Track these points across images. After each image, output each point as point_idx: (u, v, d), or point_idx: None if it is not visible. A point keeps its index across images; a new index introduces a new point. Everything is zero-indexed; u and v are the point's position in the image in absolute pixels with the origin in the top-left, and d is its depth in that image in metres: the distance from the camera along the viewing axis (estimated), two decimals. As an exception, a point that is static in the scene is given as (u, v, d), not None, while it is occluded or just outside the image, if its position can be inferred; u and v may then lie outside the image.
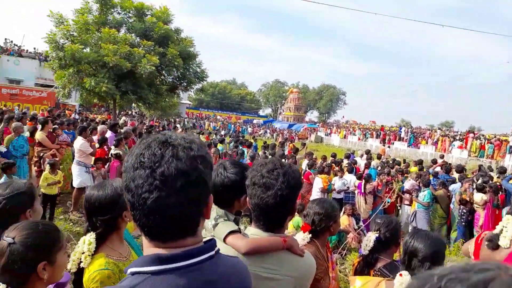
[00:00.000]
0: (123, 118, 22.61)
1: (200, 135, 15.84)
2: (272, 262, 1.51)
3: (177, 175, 0.82)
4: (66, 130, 8.88)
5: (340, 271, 5.08)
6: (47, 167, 6.31)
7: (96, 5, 16.51)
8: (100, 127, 9.10)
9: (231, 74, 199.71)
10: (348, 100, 79.68)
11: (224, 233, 1.61)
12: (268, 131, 42.96)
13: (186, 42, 17.61)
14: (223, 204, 1.84)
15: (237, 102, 74.07)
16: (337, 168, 9.33)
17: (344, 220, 6.86)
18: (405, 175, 9.86)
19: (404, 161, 14.32)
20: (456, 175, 9.44)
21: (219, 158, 8.36)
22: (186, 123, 36.37)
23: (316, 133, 41.52)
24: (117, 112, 20.32)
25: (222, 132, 27.40)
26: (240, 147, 11.53)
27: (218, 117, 56.57)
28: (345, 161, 10.95)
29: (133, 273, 0.85)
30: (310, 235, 2.24)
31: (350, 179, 8.71)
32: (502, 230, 2.55)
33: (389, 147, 24.38)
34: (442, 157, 14.70)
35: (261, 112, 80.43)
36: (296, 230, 5.58)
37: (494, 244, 2.55)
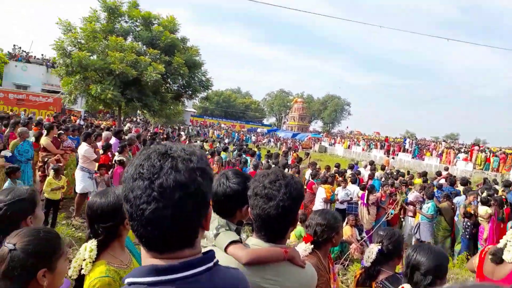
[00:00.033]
0: (128, 124, 22.72)
1: (204, 143, 15.87)
2: (273, 273, 1.50)
3: (175, 187, 0.82)
4: (71, 136, 8.94)
5: (342, 282, 5.04)
6: (51, 172, 6.35)
7: (104, 13, 16.74)
8: (104, 134, 9.15)
9: (236, 83, 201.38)
10: (353, 111, 79.61)
11: (225, 243, 1.61)
12: (272, 140, 42.98)
13: (192, 51, 17.78)
14: (225, 213, 1.83)
15: (241, 111, 74.28)
16: (340, 179, 9.30)
17: (347, 231, 6.83)
18: (409, 186, 9.81)
19: (408, 172, 14.25)
20: (460, 188, 9.37)
21: (222, 166, 8.36)
22: (190, 130, 36.49)
23: (320, 143, 41.47)
24: (122, 118, 20.43)
25: (226, 140, 27.48)
26: (244, 156, 11.53)
27: (222, 125, 56.72)
28: (349, 172, 10.92)
29: (130, 284, 0.85)
30: (312, 246, 2.23)
31: (354, 190, 8.68)
32: (506, 244, 2.53)
33: (393, 158, 24.30)
34: (446, 169, 14.62)
35: (265, 121, 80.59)
36: (298, 240, 5.54)
37: (498, 258, 2.53)
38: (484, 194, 7.87)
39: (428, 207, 7.73)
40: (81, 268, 1.77)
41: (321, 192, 8.21)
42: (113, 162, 7.53)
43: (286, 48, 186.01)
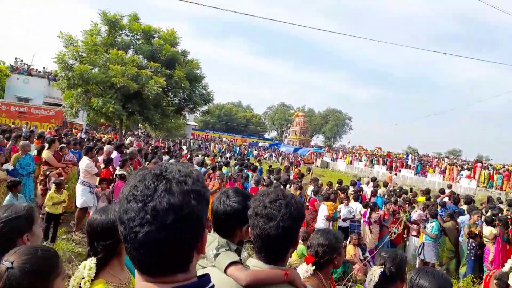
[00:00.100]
0: (129, 138, 22.78)
1: (206, 157, 15.86)
2: (274, 295, 1.47)
3: (169, 210, 0.81)
4: (72, 150, 8.97)
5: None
6: (53, 186, 6.34)
7: (104, 27, 16.95)
8: (106, 148, 9.16)
9: (237, 96, 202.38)
10: (353, 125, 79.65)
11: (225, 264, 1.59)
12: (273, 154, 42.97)
13: (193, 64, 17.94)
14: (225, 232, 1.81)
15: (242, 125, 74.54)
16: (342, 196, 9.24)
17: (350, 250, 6.73)
18: (412, 204, 9.72)
19: (411, 189, 14.16)
20: (464, 207, 9.28)
21: (223, 181, 8.32)
22: (191, 144, 36.55)
23: (322, 158, 41.43)
24: (123, 132, 20.50)
25: (228, 155, 27.48)
26: (245, 171, 11.51)
27: (224, 139, 56.82)
28: (351, 188, 10.86)
29: None
30: (314, 267, 2.19)
31: (356, 207, 8.60)
32: (511, 268, 2.49)
33: (396, 174, 24.18)
34: (450, 187, 14.53)
35: (266, 135, 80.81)
36: (300, 259, 5.47)
37: (503, 283, 2.48)
38: (489, 214, 7.77)
39: (432, 226, 7.62)
40: (80, 287, 1.75)
41: (323, 210, 8.14)
42: (114, 176, 7.51)
43: (287, 61, 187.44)
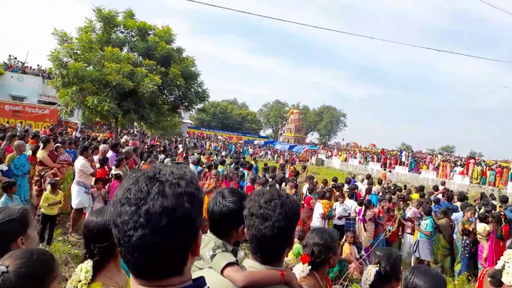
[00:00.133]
0: (125, 137, 22.69)
1: (201, 156, 15.84)
2: (270, 296, 1.49)
3: (162, 213, 0.81)
4: (67, 149, 8.91)
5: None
6: (48, 187, 6.30)
7: (99, 24, 16.78)
8: (101, 147, 9.12)
9: (232, 93, 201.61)
10: (348, 122, 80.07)
11: (221, 265, 1.60)
12: (269, 152, 43.00)
13: (188, 61, 17.81)
14: (221, 233, 1.82)
15: (238, 122, 74.48)
16: (338, 193, 9.27)
17: (346, 249, 6.75)
18: (407, 202, 9.78)
19: (405, 187, 14.24)
20: (458, 203, 9.35)
21: (219, 180, 8.32)
22: (187, 142, 36.46)
23: (317, 156, 41.54)
24: (118, 130, 20.40)
25: (223, 153, 27.42)
26: (241, 169, 11.51)
27: (219, 137, 56.75)
28: (346, 186, 10.90)
29: None
30: (310, 266, 2.21)
31: (351, 205, 8.64)
32: (504, 265, 2.51)
33: (390, 171, 24.31)
34: (443, 184, 14.63)
35: (261, 133, 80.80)
36: (296, 258, 5.49)
37: (497, 280, 2.51)
38: (482, 210, 7.84)
39: (426, 223, 7.67)
40: (77, 289, 1.75)
41: (319, 208, 8.17)
42: (110, 176, 7.48)
43: (282, 58, 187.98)
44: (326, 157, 40.74)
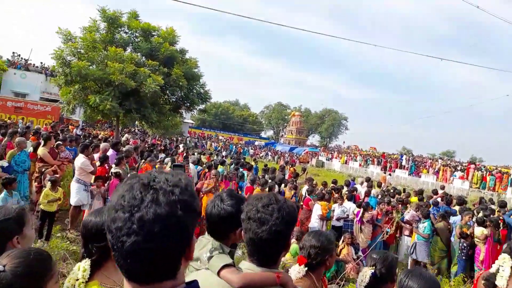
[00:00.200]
0: (126, 135, 22.71)
1: (202, 156, 15.87)
2: (266, 298, 1.51)
3: (155, 220, 0.82)
4: (68, 147, 8.95)
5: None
6: (48, 184, 6.32)
7: (103, 24, 16.84)
8: (102, 145, 9.15)
9: (234, 94, 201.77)
10: (349, 126, 79.72)
11: (218, 267, 1.62)
12: (269, 153, 43.01)
13: (191, 63, 17.87)
14: (218, 235, 1.85)
15: (239, 123, 74.46)
16: (337, 195, 9.29)
17: (343, 250, 6.78)
18: (406, 205, 9.80)
19: (404, 190, 14.25)
20: (457, 208, 9.37)
21: (218, 180, 8.33)
22: (188, 142, 36.49)
23: (317, 158, 41.52)
24: (120, 129, 20.44)
25: (224, 153, 27.44)
26: (241, 170, 11.53)
27: (220, 137, 56.77)
28: (345, 188, 10.92)
29: None
30: (306, 268, 2.23)
31: (350, 207, 8.67)
32: (498, 269, 2.54)
33: (390, 175, 24.30)
34: (442, 188, 14.65)
35: (263, 134, 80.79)
36: (294, 258, 5.51)
37: (491, 283, 2.54)
38: (480, 215, 7.87)
39: (424, 226, 7.71)
40: (74, 288, 1.77)
41: (317, 209, 8.20)
42: (110, 174, 7.51)
43: (285, 60, 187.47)
44: (326, 159, 40.73)
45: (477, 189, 22.21)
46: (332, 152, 45.47)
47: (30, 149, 7.82)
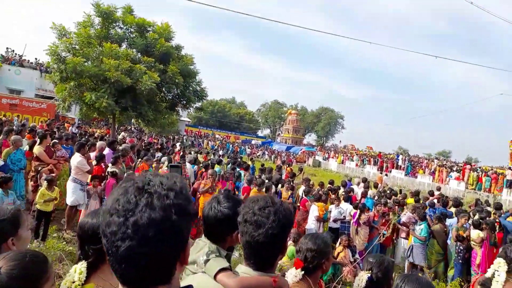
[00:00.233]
0: (122, 133, 22.65)
1: (198, 155, 15.83)
2: (262, 302, 1.51)
3: (150, 225, 0.82)
4: (64, 145, 8.89)
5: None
6: (44, 183, 6.28)
7: (98, 19, 16.65)
8: (98, 144, 9.11)
9: (231, 92, 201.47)
10: (346, 125, 79.92)
11: (215, 270, 1.62)
12: (266, 152, 43.04)
13: (187, 59, 17.76)
14: (215, 238, 1.85)
15: (236, 122, 74.45)
16: (333, 196, 9.30)
17: (340, 252, 6.77)
18: (402, 206, 9.81)
19: (401, 191, 14.30)
20: (453, 209, 9.40)
21: (215, 180, 8.32)
22: (185, 141, 36.43)
23: (314, 157, 41.59)
24: (116, 127, 20.34)
25: (220, 152, 27.42)
26: (238, 170, 11.52)
27: (217, 136, 56.74)
28: (342, 189, 10.93)
29: None
30: (303, 272, 2.23)
31: (346, 208, 8.67)
32: (494, 274, 2.55)
33: (386, 175, 24.39)
34: (439, 189, 14.70)
35: (259, 133, 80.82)
36: (291, 260, 5.51)
37: (486, 288, 2.54)
38: (476, 217, 7.88)
39: (421, 228, 7.71)
40: (70, 291, 1.76)
41: (314, 210, 8.20)
42: (106, 173, 7.47)
43: (281, 58, 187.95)
44: (323, 159, 40.81)
45: (473, 190, 22.33)
46: (329, 152, 45.54)
47: (26, 147, 7.77)
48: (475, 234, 7.07)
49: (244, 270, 1.58)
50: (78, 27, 16.17)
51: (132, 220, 0.82)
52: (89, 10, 16.40)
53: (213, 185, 7.89)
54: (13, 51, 35.35)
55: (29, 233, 2.11)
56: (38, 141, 7.68)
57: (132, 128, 34.75)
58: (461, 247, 7.34)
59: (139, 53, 17.01)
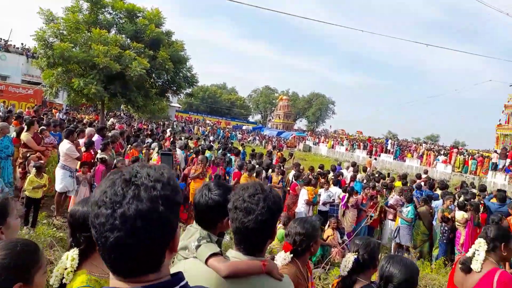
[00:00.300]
0: (111, 119, 22.39)
1: (189, 140, 15.79)
2: (252, 286, 1.55)
3: (137, 216, 0.84)
4: (52, 132, 8.79)
5: (323, 287, 5.10)
6: (33, 170, 6.23)
7: (86, 4, 16.33)
8: (87, 130, 9.02)
9: (222, 78, 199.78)
10: (336, 110, 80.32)
11: (206, 256, 1.65)
12: (257, 138, 43.06)
13: (177, 45, 17.54)
14: (206, 224, 1.88)
15: (227, 107, 74.09)
16: (323, 180, 9.42)
17: (329, 234, 6.91)
18: (390, 189, 9.99)
19: (389, 174, 14.52)
20: (439, 192, 9.61)
21: (206, 166, 8.34)
22: (175, 126, 36.21)
23: (305, 142, 41.80)
24: (105, 113, 20.10)
25: (211, 138, 27.34)
26: (228, 155, 11.54)
27: (208, 121, 56.46)
28: (331, 173, 11.06)
29: None
30: (292, 255, 2.30)
31: (335, 192, 8.81)
32: (474, 253, 2.65)
33: (375, 159, 24.67)
34: (426, 172, 14.96)
35: (250, 118, 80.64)
36: (281, 243, 5.61)
37: (466, 267, 2.64)
38: (461, 199, 8.09)
39: (408, 210, 7.90)
40: (63, 277, 1.78)
41: (304, 194, 8.31)
42: (96, 160, 7.43)
43: (273, 44, 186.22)
44: (313, 144, 41.03)
45: (459, 173, 22.74)
46: (319, 137, 45.77)
47: (13, 134, 7.66)
48: (460, 215, 7.28)
49: (234, 254, 1.62)
50: (66, 12, 15.82)
51: (119, 212, 0.84)
52: None
53: (204, 170, 7.91)
54: (-2, 36, 34.36)
55: (18, 221, 2.11)
56: (26, 127, 7.56)
57: (122, 114, 34.35)
58: (446, 228, 7.56)
59: (128, 39, 16.73)
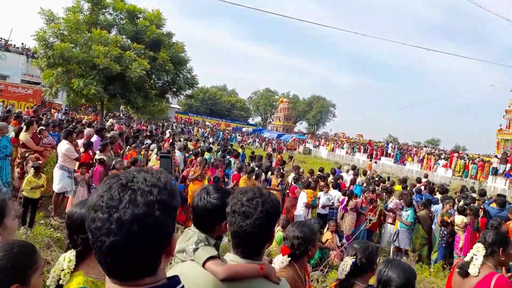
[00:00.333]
0: (110, 120, 22.39)
1: (188, 142, 15.78)
2: (249, 289, 1.55)
3: (133, 221, 0.84)
4: (51, 132, 8.78)
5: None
6: (31, 170, 6.22)
7: (87, 4, 16.38)
8: (86, 131, 9.01)
9: (222, 80, 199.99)
10: (337, 113, 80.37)
11: (203, 259, 1.65)
12: (257, 140, 43.07)
13: (178, 47, 17.57)
14: (204, 227, 1.87)
15: (227, 109, 74.13)
16: (322, 183, 9.41)
17: (328, 237, 6.91)
18: (390, 193, 9.97)
19: (389, 178, 14.52)
20: (439, 196, 9.60)
21: (205, 168, 8.32)
22: (174, 128, 36.21)
23: (305, 145, 41.79)
24: (104, 113, 20.10)
25: (210, 139, 27.35)
26: (227, 157, 11.53)
27: (207, 123, 56.47)
28: (331, 177, 11.06)
29: None
30: (289, 258, 2.29)
31: (335, 195, 8.80)
32: (472, 258, 2.65)
33: (375, 162, 24.69)
34: (426, 176, 14.96)
35: (250, 121, 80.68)
36: (279, 245, 5.60)
37: (464, 271, 2.64)
38: (461, 203, 8.08)
39: (407, 214, 7.90)
40: (60, 279, 1.77)
41: (303, 197, 8.30)
42: (94, 161, 7.42)
43: (273, 46, 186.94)
44: (313, 147, 41.04)
45: (460, 177, 22.75)
46: (320, 140, 45.78)
47: (12, 134, 7.65)
48: (459, 220, 7.27)
49: (232, 258, 1.62)
50: (67, 12, 15.85)
51: (115, 216, 0.84)
52: None
53: (203, 172, 7.90)
54: (-2, 35, 34.41)
55: (15, 222, 2.10)
56: (25, 127, 7.56)
57: (121, 115, 34.37)
58: (445, 232, 7.56)
59: (129, 40, 16.76)
